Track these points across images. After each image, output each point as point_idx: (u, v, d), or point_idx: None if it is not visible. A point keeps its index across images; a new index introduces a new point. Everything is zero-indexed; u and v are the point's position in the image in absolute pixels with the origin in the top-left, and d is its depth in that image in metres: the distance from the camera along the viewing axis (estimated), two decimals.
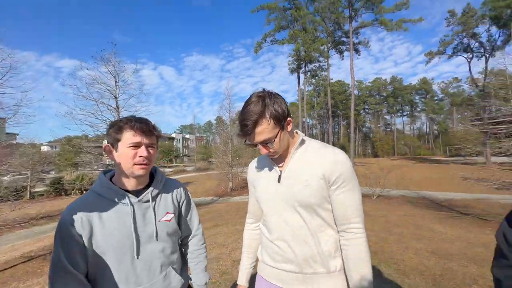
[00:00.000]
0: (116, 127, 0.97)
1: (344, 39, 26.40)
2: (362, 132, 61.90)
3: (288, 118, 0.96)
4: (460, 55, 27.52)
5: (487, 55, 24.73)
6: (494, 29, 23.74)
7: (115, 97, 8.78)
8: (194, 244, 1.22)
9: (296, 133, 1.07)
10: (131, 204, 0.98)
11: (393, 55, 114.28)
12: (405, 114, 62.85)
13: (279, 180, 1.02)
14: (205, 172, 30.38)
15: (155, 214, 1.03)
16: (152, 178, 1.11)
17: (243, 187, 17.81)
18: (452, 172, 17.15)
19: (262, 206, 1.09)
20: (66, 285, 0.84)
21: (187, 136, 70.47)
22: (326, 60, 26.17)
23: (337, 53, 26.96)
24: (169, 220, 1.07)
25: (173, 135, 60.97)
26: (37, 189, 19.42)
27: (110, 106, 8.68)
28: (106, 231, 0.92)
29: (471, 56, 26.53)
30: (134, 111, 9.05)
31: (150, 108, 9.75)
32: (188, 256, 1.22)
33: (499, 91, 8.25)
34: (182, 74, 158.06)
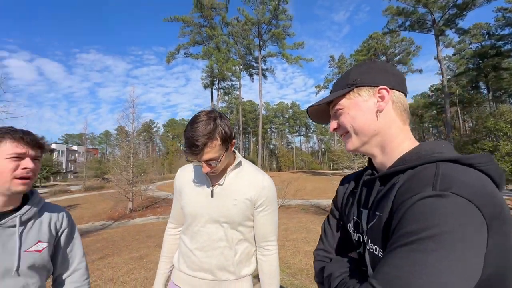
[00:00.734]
0: None
1: (254, 63, 29.30)
2: (268, 148, 68.79)
3: (233, 140, 1.01)
4: None
5: None
6: None
7: None
8: (74, 282, 1.02)
9: (234, 153, 1.12)
10: None
11: (293, 84, 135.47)
12: (302, 134, 74.85)
13: (212, 195, 1.06)
14: (98, 192, 25.35)
15: (20, 243, 0.84)
16: (25, 201, 0.93)
17: (146, 206, 15.91)
18: (332, 182, 21.43)
19: (187, 215, 1.10)
20: None
21: (74, 147, 57.56)
22: (238, 79, 28.08)
23: (248, 75, 29.53)
24: (40, 251, 0.89)
25: (53, 145, 48.38)
26: None
27: None
28: None
29: None
30: None
31: (14, 111, 7.45)
32: None
33: None
34: (73, 73, 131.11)
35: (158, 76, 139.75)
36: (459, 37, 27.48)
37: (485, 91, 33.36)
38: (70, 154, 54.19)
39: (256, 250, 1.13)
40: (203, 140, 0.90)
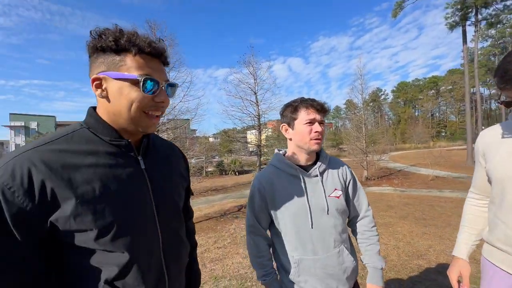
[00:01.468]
0: (292, 108, 1.08)
1: None
2: None
3: None
4: None
5: None
6: None
7: (255, 93, 10.17)
8: (364, 225, 1.17)
9: None
10: (302, 177, 1.07)
11: None
12: None
13: None
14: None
15: (324, 189, 1.07)
16: (317, 156, 1.17)
17: (381, 176, 15.68)
18: None
19: (497, 182, 0.93)
20: (255, 238, 1.13)
21: None
22: None
23: None
24: (338, 197, 1.08)
25: None
26: (209, 169, 26.50)
27: (252, 101, 10.17)
28: (285, 198, 1.06)
29: None
30: (270, 103, 10.13)
31: (282, 99, 10.46)
32: (358, 237, 1.18)
33: None
34: (309, 62, 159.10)
35: (382, 37, 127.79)
36: None
37: None
38: None
39: None
40: None
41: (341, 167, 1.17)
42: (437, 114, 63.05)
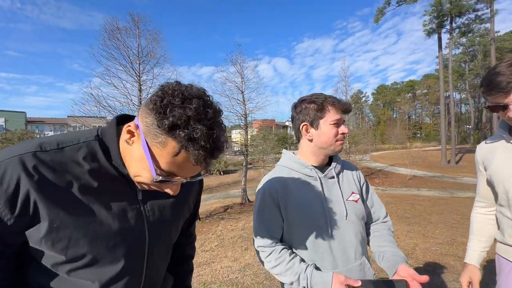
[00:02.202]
0: (316, 105, 0.96)
1: None
2: None
3: None
4: None
5: None
6: None
7: (242, 92, 10.05)
8: (384, 229, 1.07)
9: None
10: (319, 178, 0.98)
11: None
12: None
13: None
14: None
15: (341, 192, 0.98)
16: (329, 158, 1.07)
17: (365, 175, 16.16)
18: None
19: (499, 183, 1.01)
20: (272, 253, 0.93)
21: None
22: (489, 5, 18.60)
23: None
24: (356, 201, 1.00)
25: (286, 123, 63.96)
26: None
27: (239, 100, 10.03)
28: (299, 202, 0.95)
29: None
30: (257, 103, 10.05)
31: (268, 99, 10.43)
32: (376, 235, 1.06)
33: None
34: (294, 63, 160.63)
35: (364, 41, 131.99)
36: None
37: None
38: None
39: None
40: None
41: (354, 170, 1.11)
42: (414, 116, 66.40)
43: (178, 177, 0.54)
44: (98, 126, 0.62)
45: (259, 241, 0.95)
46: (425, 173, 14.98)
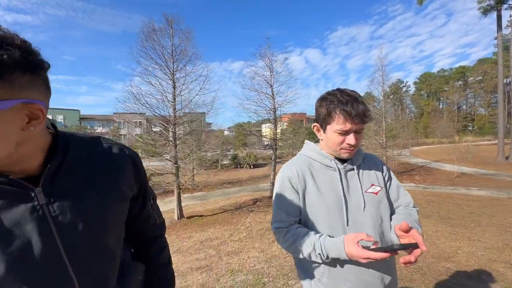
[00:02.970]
0: (326, 110, 0.93)
1: None
2: None
3: None
4: None
5: None
6: None
7: (271, 86, 10.01)
8: (400, 211, 1.03)
9: None
10: (338, 169, 0.98)
11: None
12: None
13: None
14: None
15: (361, 184, 0.98)
16: None
17: (402, 172, 15.08)
18: None
19: None
20: (288, 232, 0.96)
21: None
22: None
23: None
24: (376, 193, 0.98)
25: None
26: (224, 162, 26.81)
27: (267, 94, 10.02)
28: (317, 191, 0.96)
29: None
30: (286, 96, 9.93)
31: (298, 92, 10.23)
32: (393, 217, 1.02)
33: None
34: (327, 54, 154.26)
35: (406, 25, 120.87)
36: None
37: None
38: None
39: None
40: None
41: (376, 162, 1.07)
42: (464, 107, 59.23)
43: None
44: None
45: (277, 223, 0.99)
46: (476, 170, 13.39)
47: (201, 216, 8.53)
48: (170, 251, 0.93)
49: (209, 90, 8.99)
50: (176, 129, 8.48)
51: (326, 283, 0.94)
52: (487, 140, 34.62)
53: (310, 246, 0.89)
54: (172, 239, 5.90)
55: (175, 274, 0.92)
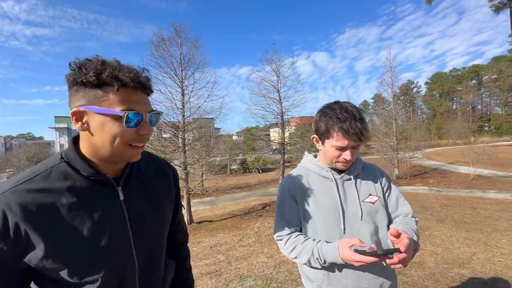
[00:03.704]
0: (324, 126, 0.96)
1: None
2: None
3: None
4: None
5: None
6: None
7: (278, 91, 10.08)
8: (398, 221, 1.05)
9: None
10: (335, 179, 1.02)
11: None
12: None
13: None
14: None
15: (358, 193, 1.01)
16: None
17: (414, 175, 14.69)
18: None
19: None
20: (289, 240, 1.01)
21: None
22: None
23: None
24: (373, 203, 1.01)
25: None
26: (232, 167, 26.94)
27: (275, 99, 10.09)
28: (315, 201, 1.01)
29: None
30: (293, 101, 9.96)
31: (306, 96, 10.24)
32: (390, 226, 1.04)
33: None
34: (334, 56, 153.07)
35: (416, 25, 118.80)
36: None
37: None
38: None
39: None
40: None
41: (376, 172, 1.10)
42: (479, 107, 57.27)
43: (139, 111, 0.60)
44: (61, 150, 0.72)
45: (278, 232, 1.04)
46: (494, 172, 12.89)
47: (210, 221, 8.59)
48: None
49: (217, 96, 9.16)
50: (185, 135, 8.65)
51: None
52: (504, 141, 33.29)
53: (309, 252, 0.94)
54: None
55: None
